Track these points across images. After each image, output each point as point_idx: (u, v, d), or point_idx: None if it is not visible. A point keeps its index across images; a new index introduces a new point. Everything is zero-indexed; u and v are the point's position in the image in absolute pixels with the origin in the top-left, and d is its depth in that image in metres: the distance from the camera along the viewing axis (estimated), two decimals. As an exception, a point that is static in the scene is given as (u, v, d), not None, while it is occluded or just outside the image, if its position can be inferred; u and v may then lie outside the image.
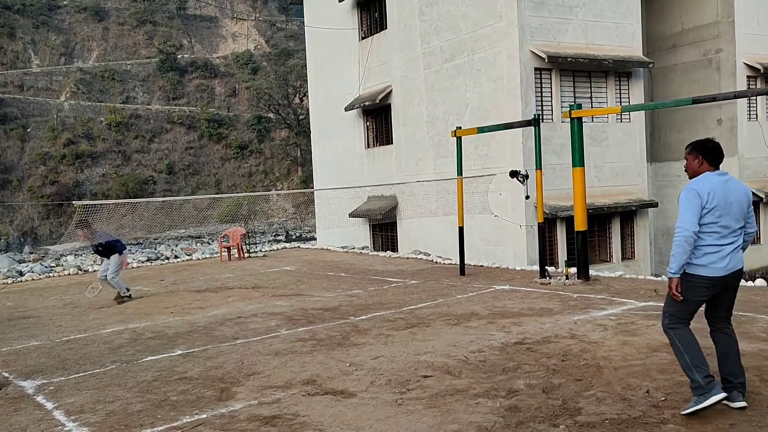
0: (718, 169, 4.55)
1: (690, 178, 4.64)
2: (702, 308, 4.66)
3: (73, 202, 10.57)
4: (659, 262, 19.67)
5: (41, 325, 9.47)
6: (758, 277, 11.60)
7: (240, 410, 5.14)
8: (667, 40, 19.73)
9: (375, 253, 18.21)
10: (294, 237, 45.78)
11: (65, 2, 65.90)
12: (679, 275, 4.45)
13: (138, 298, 11.56)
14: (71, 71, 60.61)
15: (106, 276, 11.17)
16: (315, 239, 29.47)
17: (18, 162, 51.04)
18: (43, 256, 40.78)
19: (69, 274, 16.57)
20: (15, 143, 51.81)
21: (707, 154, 4.54)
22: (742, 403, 4.54)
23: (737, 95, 11.64)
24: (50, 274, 17.18)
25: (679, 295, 4.45)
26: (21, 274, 21.68)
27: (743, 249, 4.60)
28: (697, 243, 4.43)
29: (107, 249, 11.16)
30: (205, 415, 5.06)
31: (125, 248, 11.55)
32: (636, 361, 5.87)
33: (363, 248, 19.70)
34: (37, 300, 12.10)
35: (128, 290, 11.45)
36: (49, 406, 5.55)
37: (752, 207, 4.64)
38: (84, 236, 11.05)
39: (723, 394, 4.43)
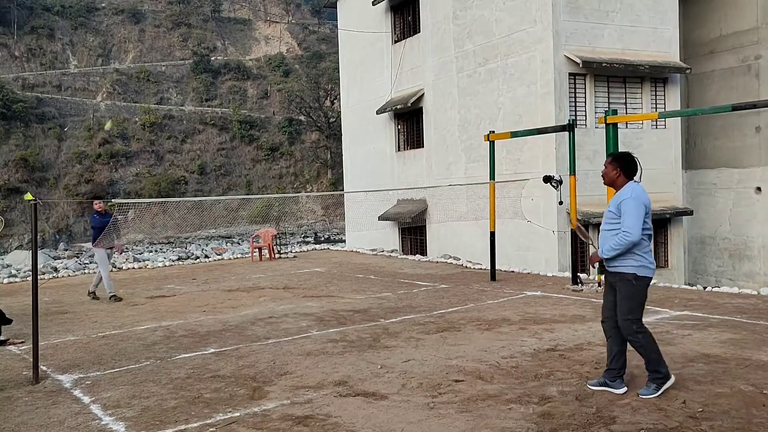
0: (633, 180, 5.22)
1: (606, 184, 5.41)
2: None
3: (110, 200, 10.75)
4: (693, 271, 19.33)
5: (77, 320, 9.65)
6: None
7: (273, 409, 5.18)
8: (704, 46, 19.40)
9: (404, 256, 18.20)
10: (323, 239, 45.98)
11: (103, 4, 67.18)
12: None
13: (171, 296, 11.71)
14: (108, 72, 61.75)
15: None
16: (344, 241, 29.55)
17: (55, 160, 52.13)
18: (77, 254, 41.58)
19: (103, 271, 16.83)
20: (52, 142, 52.93)
21: (626, 167, 5.23)
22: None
23: (778, 102, 11.38)
24: (85, 271, 17.49)
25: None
26: (56, 270, 22.12)
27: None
28: (643, 248, 5.07)
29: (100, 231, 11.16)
30: (238, 414, 5.11)
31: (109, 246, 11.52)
32: (672, 371, 5.77)
33: (392, 251, 19.70)
34: (72, 296, 12.33)
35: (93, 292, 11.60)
36: (86, 400, 5.65)
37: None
38: (99, 207, 11.48)
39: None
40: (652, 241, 5.23)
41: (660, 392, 5.07)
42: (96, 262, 11.74)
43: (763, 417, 4.58)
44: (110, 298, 11.39)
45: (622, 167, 5.23)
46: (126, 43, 66.13)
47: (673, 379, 5.17)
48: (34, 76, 58.23)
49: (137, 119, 57.27)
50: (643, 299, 5.14)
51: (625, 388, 5.20)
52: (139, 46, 66.23)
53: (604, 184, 5.42)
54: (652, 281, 5.21)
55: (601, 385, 5.30)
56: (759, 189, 18.21)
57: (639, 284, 5.08)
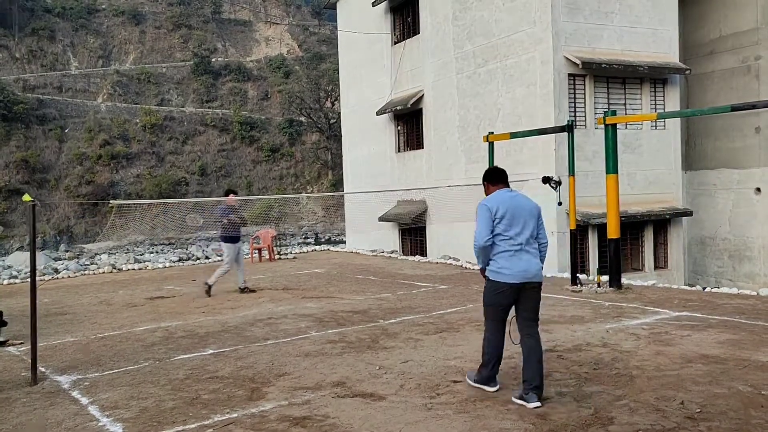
0: (504, 186, 5.36)
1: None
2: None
3: (110, 201, 10.78)
4: (693, 272, 19.32)
5: (77, 321, 9.65)
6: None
7: (270, 410, 5.18)
8: (704, 47, 19.40)
9: (404, 257, 18.20)
10: (323, 240, 45.99)
11: (104, 6, 67.25)
12: (483, 267, 5.31)
13: (171, 298, 11.72)
14: (108, 73, 61.80)
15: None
16: (344, 242, 29.56)
17: (56, 162, 52.17)
18: (78, 255, 41.58)
19: (103, 273, 16.86)
20: (53, 143, 52.97)
21: (488, 178, 5.46)
22: (537, 404, 4.96)
23: (777, 103, 11.38)
24: (85, 272, 17.51)
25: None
26: (57, 271, 22.12)
27: (541, 259, 5.25)
28: (496, 253, 5.13)
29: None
30: (236, 414, 5.11)
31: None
32: (670, 372, 5.77)
33: (392, 252, 19.70)
34: (72, 297, 12.34)
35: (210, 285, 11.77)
36: (84, 401, 5.65)
37: (542, 219, 5.32)
38: (232, 201, 11.58)
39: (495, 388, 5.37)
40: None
41: (472, 383, 5.48)
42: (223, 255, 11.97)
43: (761, 418, 4.58)
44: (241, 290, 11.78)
45: (487, 180, 5.49)
46: (126, 45, 66.18)
47: (492, 389, 5.35)
48: (35, 77, 58.30)
49: (138, 120, 57.32)
50: (490, 300, 5.26)
51: (496, 387, 5.40)
52: (140, 48, 66.28)
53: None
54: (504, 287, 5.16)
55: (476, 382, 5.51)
56: (759, 190, 18.20)
57: (488, 285, 5.26)
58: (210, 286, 11.61)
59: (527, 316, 5.23)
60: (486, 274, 5.25)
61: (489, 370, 5.36)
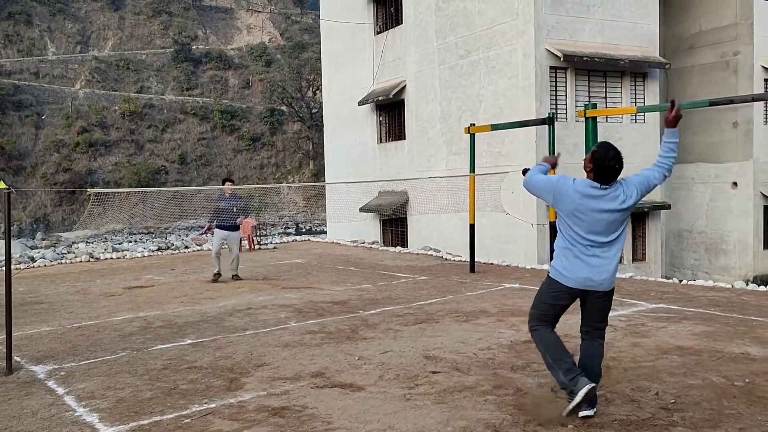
0: (601, 185, 4.35)
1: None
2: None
3: (88, 189, 10.63)
4: (670, 265, 19.57)
5: (53, 311, 9.54)
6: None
7: (249, 401, 5.16)
8: (684, 42, 19.57)
9: (385, 248, 18.21)
10: (304, 230, 45.88)
11: (82, -9, 66.26)
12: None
13: (149, 287, 11.63)
14: (86, 60, 60.95)
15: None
16: (325, 233, 29.52)
17: (32, 149, 51.42)
18: (55, 243, 41.08)
19: (81, 261, 16.68)
20: (29, 130, 52.19)
21: (598, 170, 4.35)
22: (590, 412, 4.40)
23: (755, 98, 11.56)
24: (62, 261, 17.30)
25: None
26: (33, 260, 21.84)
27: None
28: (559, 247, 4.49)
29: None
30: (214, 405, 5.08)
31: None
32: (646, 363, 5.84)
33: (373, 243, 19.71)
34: (49, 286, 12.19)
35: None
36: (60, 391, 5.59)
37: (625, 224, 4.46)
38: (229, 190, 11.76)
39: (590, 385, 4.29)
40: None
41: (568, 410, 4.31)
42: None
43: (734, 408, 4.65)
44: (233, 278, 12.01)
45: (595, 167, 4.40)
46: (105, 31, 65.27)
47: (579, 396, 4.25)
48: (11, 62, 57.33)
49: (117, 108, 56.64)
50: (542, 297, 4.60)
51: (589, 384, 4.40)
52: (119, 34, 65.41)
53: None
54: (568, 287, 4.44)
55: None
56: (735, 184, 18.46)
57: (547, 281, 4.59)
58: (236, 275, 12.03)
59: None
60: (549, 268, 4.59)
61: (560, 372, 4.44)
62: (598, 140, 11.08)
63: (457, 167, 17.35)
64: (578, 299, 4.55)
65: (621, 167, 4.39)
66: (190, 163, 56.50)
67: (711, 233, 18.99)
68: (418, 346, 6.70)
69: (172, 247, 29.99)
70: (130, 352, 6.85)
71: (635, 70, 16.96)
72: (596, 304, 4.53)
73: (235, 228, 12.18)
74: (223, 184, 12.16)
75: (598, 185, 4.37)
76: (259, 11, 75.72)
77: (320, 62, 27.07)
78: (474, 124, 13.38)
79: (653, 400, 4.87)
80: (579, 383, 4.30)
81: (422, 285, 11.02)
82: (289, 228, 48.58)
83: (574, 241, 4.41)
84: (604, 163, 4.33)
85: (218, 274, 12.00)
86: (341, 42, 23.80)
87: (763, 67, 18.17)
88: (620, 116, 16.73)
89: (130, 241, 42.65)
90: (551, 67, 15.90)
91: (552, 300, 4.56)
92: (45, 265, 16.25)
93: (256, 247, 18.47)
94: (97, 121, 54.77)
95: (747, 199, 18.27)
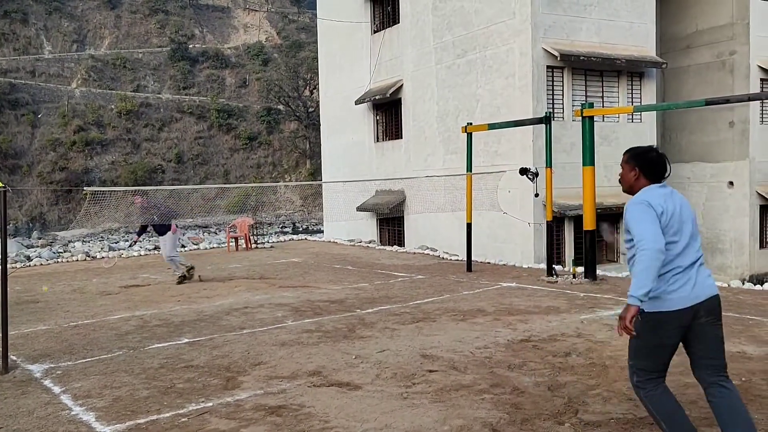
0: (658, 182, 3.74)
1: (624, 191, 3.86)
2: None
3: (84, 188, 10.61)
4: (666, 264, 19.58)
5: (49, 309, 9.53)
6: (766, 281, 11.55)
7: (245, 399, 5.16)
8: (680, 41, 19.60)
9: (382, 247, 18.21)
10: (301, 229, 45.86)
11: (78, -11, 66.09)
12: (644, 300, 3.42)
13: (146, 286, 11.61)
14: (83, 58, 60.78)
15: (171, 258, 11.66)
16: (322, 232, 29.49)
17: (28, 148, 51.28)
18: (51, 242, 40.99)
19: (77, 260, 16.65)
20: (25, 129, 52.03)
21: (646, 167, 3.73)
22: None
23: (751, 98, 11.58)
24: (58, 260, 17.26)
25: (632, 330, 3.39)
26: (29, 259, 21.79)
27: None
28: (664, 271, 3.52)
29: (162, 225, 11.48)
30: (211, 404, 5.08)
31: (174, 217, 11.79)
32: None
33: (370, 242, 19.71)
34: (45, 285, 12.16)
35: (191, 266, 11.83)
36: (57, 390, 5.58)
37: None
38: (141, 203, 11.30)
39: None
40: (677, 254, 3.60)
41: None
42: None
43: None
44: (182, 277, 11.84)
45: (641, 167, 3.73)
46: (102, 29, 65.11)
47: None
48: (7, 61, 57.15)
49: (113, 107, 56.49)
50: (646, 342, 3.57)
51: None
52: (116, 33, 65.26)
53: (624, 191, 3.89)
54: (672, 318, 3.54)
55: None
56: (731, 183, 18.50)
57: (643, 320, 3.52)
58: (184, 276, 11.66)
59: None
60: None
61: None
62: (595, 140, 11.13)
63: (454, 166, 17.35)
64: None
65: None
66: (187, 162, 56.39)
67: (707, 233, 19.02)
68: (415, 345, 6.70)
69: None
70: (127, 351, 6.84)
71: (632, 70, 16.98)
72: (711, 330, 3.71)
73: (163, 232, 11.79)
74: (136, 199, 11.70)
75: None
76: (256, 10, 75.62)
77: (317, 61, 27.04)
78: (471, 124, 13.39)
79: (650, 399, 4.87)
80: None
81: (419, 284, 11.02)
82: (286, 227, 48.53)
83: None
84: (655, 158, 3.75)
85: (191, 269, 11.78)
86: (338, 41, 23.78)
87: (759, 66, 18.20)
88: (617, 116, 16.75)
89: (127, 240, 42.53)
90: (548, 67, 15.90)
91: (656, 342, 3.68)
92: (41, 264, 16.22)
93: (253, 246, 18.45)
94: (93, 120, 54.63)
95: (743, 198, 18.31)
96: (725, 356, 3.66)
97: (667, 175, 3.76)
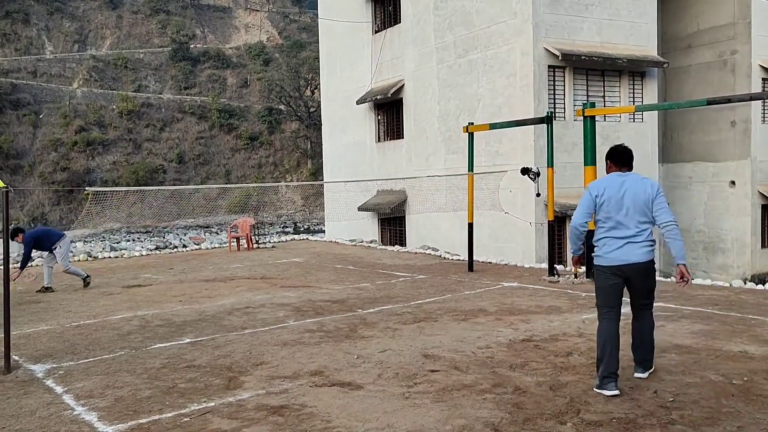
0: (624, 169, 5.16)
1: None
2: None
3: (85, 188, 10.61)
4: (668, 263, 19.58)
5: (51, 309, 9.53)
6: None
7: (248, 399, 5.16)
8: (682, 41, 19.59)
9: (383, 247, 18.21)
10: (302, 229, 45.87)
11: (80, -11, 66.14)
12: (577, 255, 5.36)
13: (148, 286, 11.62)
14: (84, 58, 60.85)
15: (67, 269, 11.59)
16: (323, 232, 29.51)
17: (30, 148, 51.34)
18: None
19: (78, 260, 16.65)
20: (27, 129, 52.10)
21: (612, 158, 5.22)
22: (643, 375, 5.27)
23: (753, 97, 11.55)
24: (60, 260, 17.24)
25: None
26: (32, 258, 21.81)
27: (673, 240, 5.02)
28: (598, 237, 5.09)
29: (43, 245, 11.43)
30: (213, 404, 5.08)
31: (62, 235, 11.69)
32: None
33: (371, 242, 19.71)
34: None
35: (87, 275, 11.83)
36: (59, 390, 5.59)
37: (660, 201, 5.02)
38: (20, 240, 11.31)
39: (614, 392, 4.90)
40: (657, 237, 5.15)
41: (597, 389, 4.98)
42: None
43: (732, 407, 4.66)
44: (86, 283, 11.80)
45: (610, 159, 5.27)
46: (103, 30, 65.18)
47: (609, 392, 4.87)
48: (8, 61, 57.23)
49: (114, 107, 56.56)
50: (597, 285, 5.16)
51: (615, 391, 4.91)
52: (117, 33, 65.33)
53: None
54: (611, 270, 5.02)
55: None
56: (733, 183, 18.49)
57: (594, 270, 5.22)
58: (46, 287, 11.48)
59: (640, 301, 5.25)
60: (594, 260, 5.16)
61: (603, 365, 4.97)
62: (597, 139, 11.13)
63: (455, 166, 17.36)
64: None
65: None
66: (188, 162, 56.44)
67: (709, 232, 19.01)
68: (416, 345, 6.70)
69: (170, 246, 29.97)
70: (129, 351, 6.85)
71: (633, 69, 16.98)
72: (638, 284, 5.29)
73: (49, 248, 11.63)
74: (13, 238, 11.38)
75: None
76: (257, 10, 75.66)
77: (318, 61, 27.05)
78: (472, 123, 13.39)
79: (652, 399, 4.88)
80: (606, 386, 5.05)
81: (420, 284, 11.02)
82: (287, 227, 48.57)
83: None
84: (617, 149, 5.27)
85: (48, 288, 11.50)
86: (339, 41, 23.79)
87: (760, 66, 18.20)
88: (618, 115, 16.75)
89: (128, 240, 42.60)
90: (549, 66, 15.90)
91: (603, 286, 5.26)
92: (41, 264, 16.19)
93: (255, 246, 18.47)
94: (94, 120, 54.69)
95: (745, 198, 18.30)
96: (651, 301, 5.23)
97: (629, 162, 5.16)
